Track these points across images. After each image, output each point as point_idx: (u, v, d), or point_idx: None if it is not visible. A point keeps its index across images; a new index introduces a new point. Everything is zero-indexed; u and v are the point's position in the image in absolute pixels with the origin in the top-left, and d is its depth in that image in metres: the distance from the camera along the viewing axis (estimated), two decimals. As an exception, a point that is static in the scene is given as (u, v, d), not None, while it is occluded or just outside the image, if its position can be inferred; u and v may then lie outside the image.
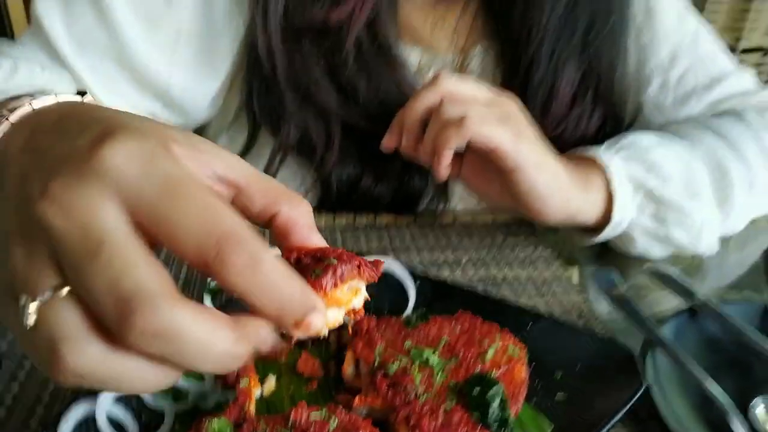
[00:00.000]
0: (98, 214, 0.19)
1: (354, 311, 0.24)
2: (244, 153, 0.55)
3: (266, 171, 0.53)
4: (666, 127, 0.55)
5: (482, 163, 0.43)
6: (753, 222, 0.54)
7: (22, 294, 0.19)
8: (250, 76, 0.52)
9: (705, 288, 0.48)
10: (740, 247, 0.55)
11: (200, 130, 0.59)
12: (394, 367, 0.32)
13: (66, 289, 0.19)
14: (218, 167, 0.22)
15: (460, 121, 0.40)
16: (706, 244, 0.48)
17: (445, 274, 0.47)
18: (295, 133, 0.52)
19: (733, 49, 1.50)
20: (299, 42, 0.51)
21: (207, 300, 0.38)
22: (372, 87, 0.51)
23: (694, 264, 0.51)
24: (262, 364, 0.35)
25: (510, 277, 0.47)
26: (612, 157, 0.47)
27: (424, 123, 0.44)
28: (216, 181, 0.22)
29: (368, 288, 0.26)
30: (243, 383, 0.30)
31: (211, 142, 0.23)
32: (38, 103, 0.26)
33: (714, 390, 0.33)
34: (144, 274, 0.18)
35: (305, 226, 0.24)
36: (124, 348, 0.19)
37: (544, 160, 0.43)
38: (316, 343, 0.37)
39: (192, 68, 0.52)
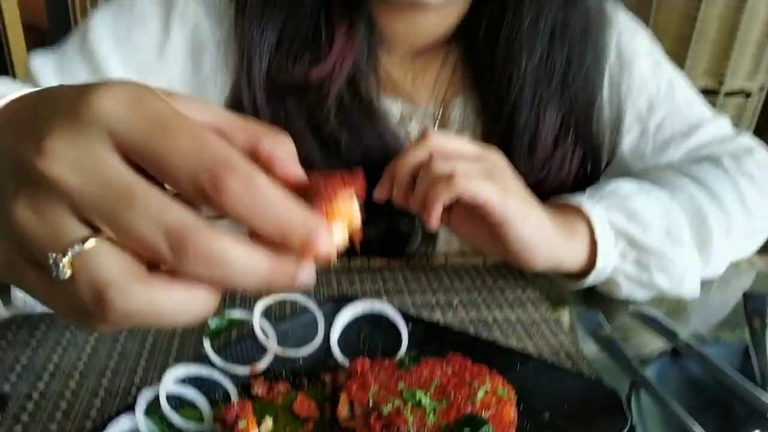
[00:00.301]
0: (108, 161, 0.20)
1: (355, 231, 0.25)
2: None
3: None
4: (646, 174, 0.57)
5: (470, 212, 0.45)
6: (734, 265, 0.55)
7: (49, 252, 0.20)
8: None
9: (688, 329, 0.50)
10: (722, 289, 0.56)
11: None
12: (387, 409, 0.33)
13: (94, 239, 0.20)
14: (197, 111, 0.23)
15: (449, 178, 0.42)
16: (688, 289, 0.50)
17: (438, 316, 0.48)
18: None
19: (716, 92, 1.54)
20: (283, 99, 0.52)
21: (206, 343, 0.39)
22: (354, 140, 0.53)
23: (677, 306, 0.53)
24: (260, 406, 0.36)
25: (500, 319, 0.48)
26: (594, 205, 0.48)
27: (414, 176, 0.45)
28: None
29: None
30: (241, 425, 0.31)
31: (186, 95, 0.23)
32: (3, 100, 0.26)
33: (697, 430, 0.34)
34: (178, 207, 0.20)
35: (286, 159, 0.24)
36: (167, 281, 0.20)
37: (530, 212, 0.44)
38: (312, 385, 0.38)
39: None
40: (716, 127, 0.63)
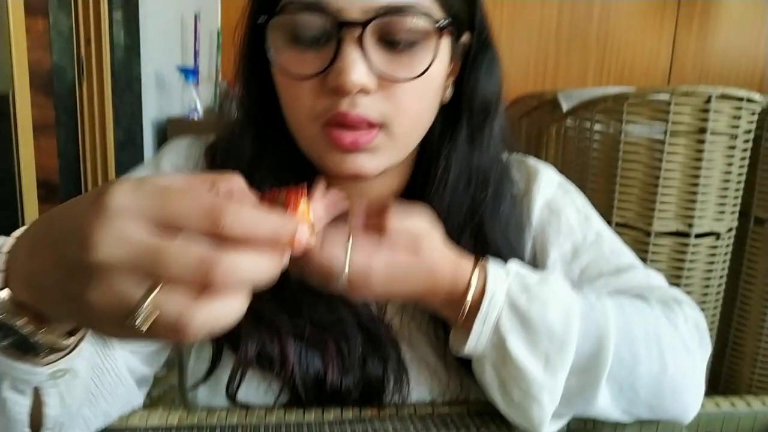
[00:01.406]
0: (136, 235, 0.28)
1: (313, 226, 0.38)
2: (211, 369, 0.59)
3: (229, 383, 0.58)
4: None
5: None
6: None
7: (127, 318, 0.28)
8: None
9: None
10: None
11: (174, 347, 0.64)
12: None
13: (153, 292, 0.28)
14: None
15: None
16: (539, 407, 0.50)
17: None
18: (252, 349, 0.57)
19: (687, 235, 1.63)
20: None
21: None
22: (313, 299, 0.57)
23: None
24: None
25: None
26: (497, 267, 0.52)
27: None
28: None
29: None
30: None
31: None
32: (17, 232, 0.35)
33: None
34: (195, 246, 0.29)
35: (240, 190, 0.35)
36: (215, 296, 0.30)
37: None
38: None
39: None
40: (647, 275, 0.64)
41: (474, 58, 0.59)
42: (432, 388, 0.63)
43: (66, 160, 1.80)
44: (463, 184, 0.61)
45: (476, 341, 0.50)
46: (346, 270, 0.45)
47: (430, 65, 0.51)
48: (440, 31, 0.51)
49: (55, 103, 1.75)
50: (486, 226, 0.60)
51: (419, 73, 0.51)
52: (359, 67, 0.48)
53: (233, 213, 0.29)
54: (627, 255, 0.66)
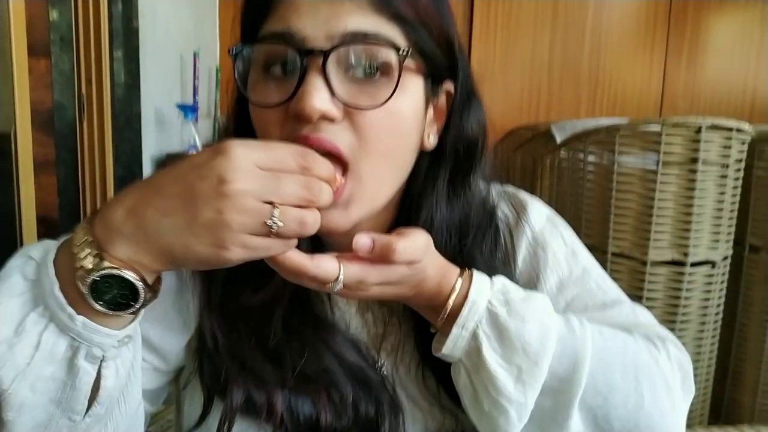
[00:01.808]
0: (255, 174, 0.42)
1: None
2: (203, 415, 0.60)
3: (219, 430, 0.58)
4: None
5: None
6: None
7: (263, 220, 0.42)
8: (200, 345, 0.61)
9: None
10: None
11: (177, 376, 0.66)
12: None
13: (276, 208, 0.43)
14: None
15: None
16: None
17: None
18: (238, 398, 0.58)
19: (683, 264, 1.64)
20: (236, 321, 0.59)
21: None
22: (301, 352, 0.58)
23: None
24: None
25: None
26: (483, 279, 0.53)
27: None
28: None
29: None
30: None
31: None
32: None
33: None
34: (294, 179, 0.44)
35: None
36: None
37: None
38: None
39: (167, 321, 0.61)
40: (634, 311, 0.63)
41: (459, 108, 0.59)
42: (427, 425, 0.62)
43: (66, 196, 1.82)
44: (446, 231, 0.61)
45: (453, 345, 0.51)
46: (341, 277, 0.46)
47: (392, 94, 0.50)
48: (403, 60, 0.51)
49: (55, 141, 1.78)
50: (473, 264, 0.60)
51: (381, 101, 0.50)
52: (321, 93, 0.48)
53: (312, 156, 0.45)
54: (613, 290, 0.66)
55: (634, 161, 1.64)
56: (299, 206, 0.43)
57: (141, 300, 0.45)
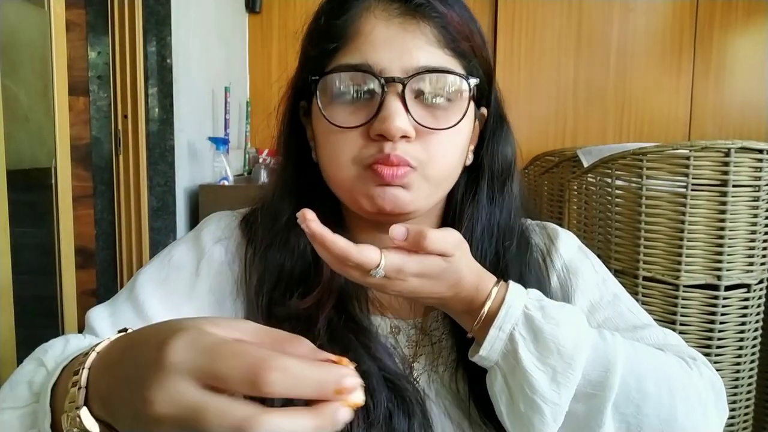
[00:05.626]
0: (187, 392, 0.31)
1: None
2: None
3: None
4: None
5: None
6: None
7: None
8: None
9: None
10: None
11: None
12: None
13: None
14: (235, 331, 0.34)
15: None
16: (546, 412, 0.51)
17: None
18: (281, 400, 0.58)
19: (716, 287, 1.61)
20: (281, 326, 0.61)
21: None
22: (344, 356, 0.60)
23: None
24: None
25: None
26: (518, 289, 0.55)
27: None
28: None
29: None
30: None
31: (225, 318, 0.36)
32: (99, 347, 0.40)
33: None
34: (237, 405, 0.30)
35: (308, 354, 0.35)
36: None
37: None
38: None
39: None
40: (664, 333, 0.65)
41: (492, 130, 0.68)
42: None
43: (102, 227, 1.87)
44: (486, 238, 0.66)
45: (490, 347, 0.53)
46: (382, 262, 0.48)
47: (462, 117, 0.60)
48: (470, 91, 0.60)
49: (93, 175, 1.84)
50: (509, 276, 0.63)
51: (452, 124, 0.59)
52: (402, 115, 0.56)
53: (277, 368, 0.31)
54: (644, 315, 0.68)
55: (662, 185, 1.62)
56: None
57: None
